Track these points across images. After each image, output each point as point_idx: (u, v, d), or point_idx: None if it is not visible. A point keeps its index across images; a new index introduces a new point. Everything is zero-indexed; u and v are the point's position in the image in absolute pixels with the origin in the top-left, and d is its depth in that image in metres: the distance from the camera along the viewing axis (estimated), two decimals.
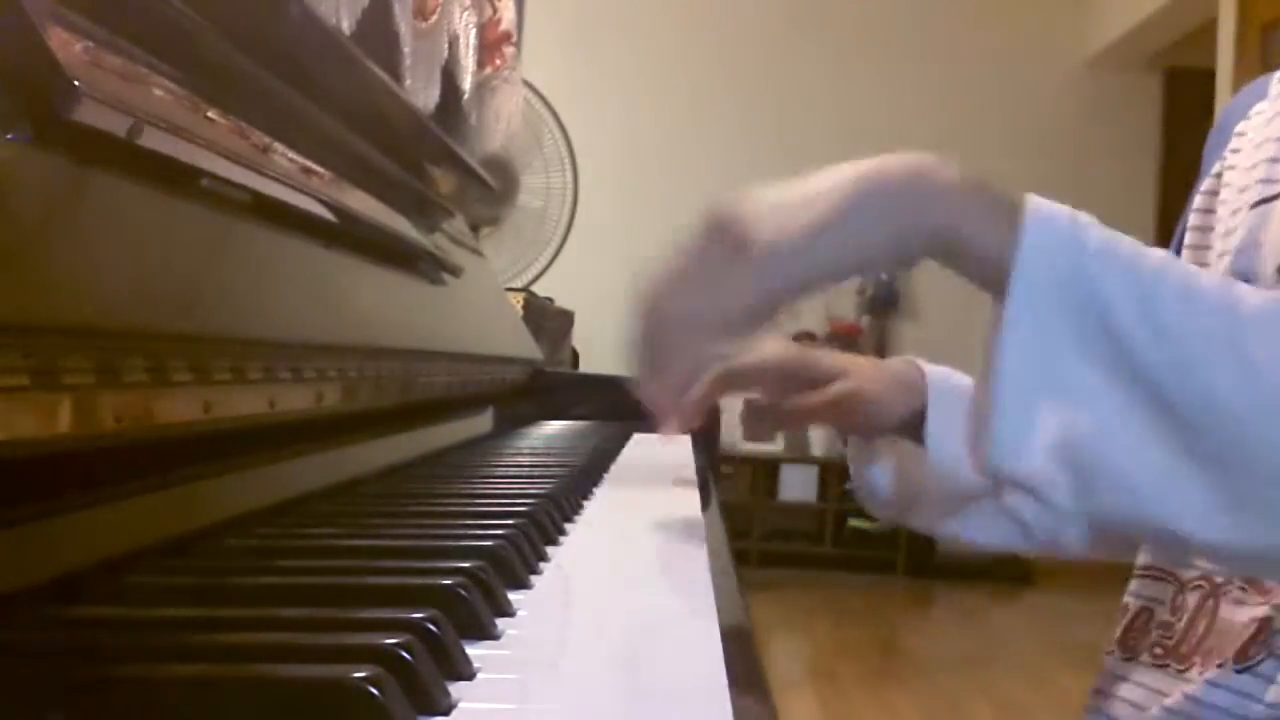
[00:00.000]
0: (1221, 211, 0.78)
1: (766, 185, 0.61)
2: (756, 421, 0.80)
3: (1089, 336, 0.50)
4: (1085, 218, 0.54)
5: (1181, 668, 0.70)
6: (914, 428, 0.80)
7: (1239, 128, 0.80)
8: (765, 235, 0.56)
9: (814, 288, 0.57)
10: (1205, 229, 0.80)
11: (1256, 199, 0.74)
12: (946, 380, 0.83)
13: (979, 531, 0.77)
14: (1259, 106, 0.80)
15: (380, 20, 1.00)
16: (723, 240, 0.59)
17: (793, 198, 0.58)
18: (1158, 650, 0.72)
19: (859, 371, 0.82)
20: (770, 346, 0.81)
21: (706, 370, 0.67)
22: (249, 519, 0.56)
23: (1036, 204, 0.53)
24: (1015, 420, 0.50)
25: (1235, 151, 0.79)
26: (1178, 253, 0.83)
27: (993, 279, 0.53)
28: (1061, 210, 0.53)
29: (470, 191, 1.71)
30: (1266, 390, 0.48)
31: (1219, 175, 0.80)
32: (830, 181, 0.57)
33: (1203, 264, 0.79)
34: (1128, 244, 0.53)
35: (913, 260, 0.58)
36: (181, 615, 0.39)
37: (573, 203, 2.76)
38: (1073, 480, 0.50)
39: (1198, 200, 0.82)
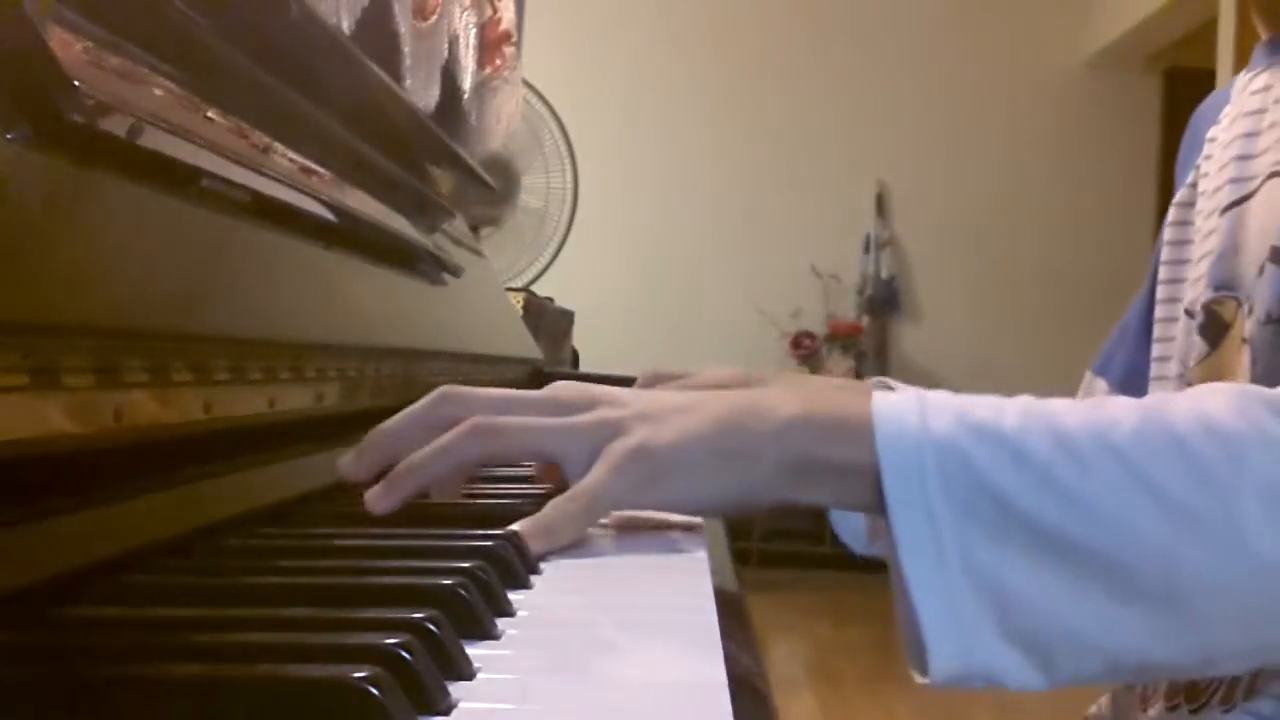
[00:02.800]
0: (1198, 220, 0.76)
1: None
2: None
3: (985, 519, 0.49)
4: (933, 398, 0.52)
5: (1194, 707, 0.67)
6: None
7: (1210, 133, 0.78)
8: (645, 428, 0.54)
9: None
10: (1182, 242, 0.78)
11: (1229, 201, 0.72)
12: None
13: None
14: (1227, 110, 0.77)
15: (380, 20, 1.00)
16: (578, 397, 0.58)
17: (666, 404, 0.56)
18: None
19: None
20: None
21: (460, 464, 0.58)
22: (249, 519, 0.56)
23: (881, 409, 0.52)
24: (946, 630, 0.49)
25: (1208, 158, 0.77)
26: (1155, 273, 0.81)
27: (862, 498, 0.52)
28: (908, 404, 0.52)
29: (470, 191, 1.71)
30: (1172, 510, 0.48)
31: (1194, 185, 0.78)
32: (703, 415, 0.55)
33: (1181, 279, 0.77)
34: (981, 408, 0.52)
35: (772, 500, 0.56)
36: (181, 615, 0.39)
37: (573, 203, 2.77)
38: (1031, 660, 0.49)
39: (1173, 213, 0.79)
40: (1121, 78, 5.19)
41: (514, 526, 0.54)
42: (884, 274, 5.24)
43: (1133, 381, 0.82)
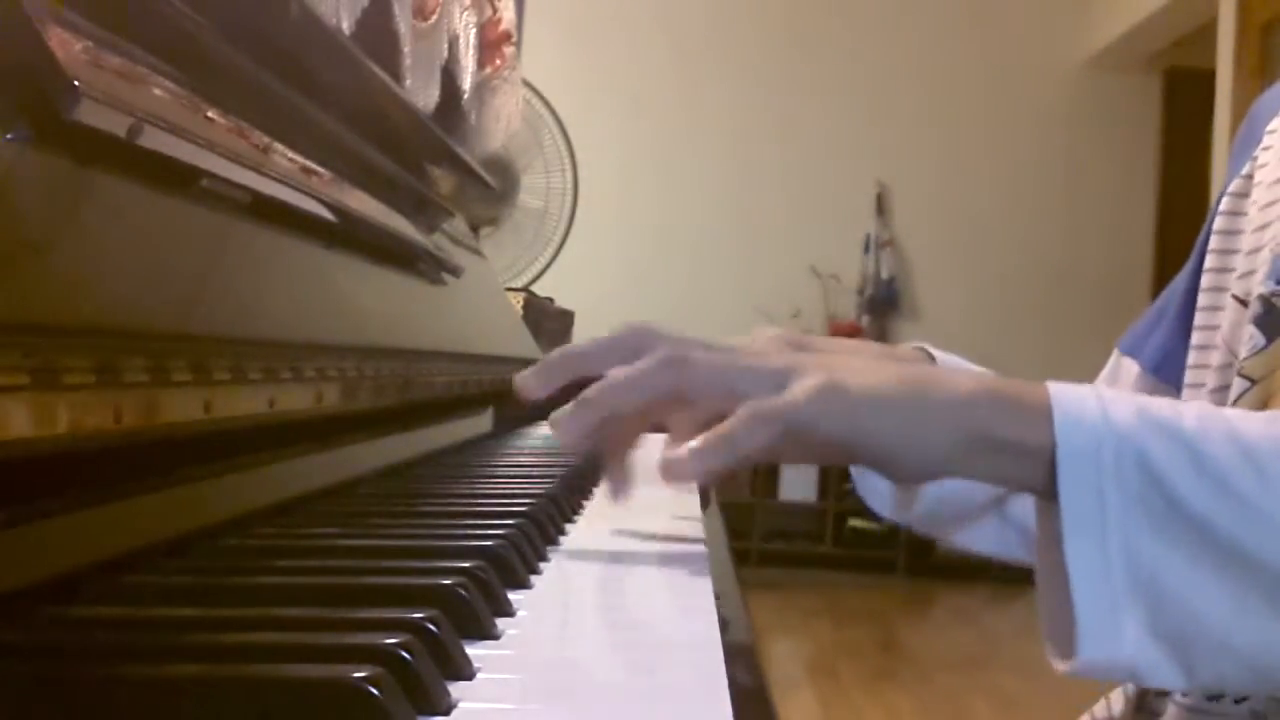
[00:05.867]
0: (1251, 211, 0.76)
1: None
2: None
3: (1155, 513, 0.50)
4: (1109, 393, 0.53)
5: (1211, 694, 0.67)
6: None
7: (1270, 125, 0.77)
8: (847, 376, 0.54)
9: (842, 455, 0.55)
10: (1232, 232, 0.77)
11: None
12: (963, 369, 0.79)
13: (987, 543, 0.75)
14: None
15: (380, 20, 1.00)
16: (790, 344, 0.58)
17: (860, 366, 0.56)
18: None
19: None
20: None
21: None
22: (249, 519, 0.56)
23: (1061, 396, 0.52)
24: (1100, 614, 0.49)
25: (1267, 149, 0.76)
26: (1200, 261, 0.80)
27: (1032, 478, 0.53)
28: (1086, 395, 0.52)
29: (470, 191, 1.71)
30: None
31: (1249, 176, 0.77)
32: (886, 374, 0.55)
33: (1228, 268, 0.77)
34: (1161, 407, 0.52)
35: (942, 471, 0.56)
36: (181, 615, 0.39)
37: (573, 203, 2.76)
38: (1175, 658, 0.50)
39: (1225, 203, 0.78)
40: (1121, 78, 5.19)
41: (693, 442, 0.53)
42: (884, 274, 5.24)
43: (1167, 366, 0.82)
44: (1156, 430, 0.51)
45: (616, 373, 0.55)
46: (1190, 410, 0.52)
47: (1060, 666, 0.52)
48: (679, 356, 0.55)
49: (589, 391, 0.56)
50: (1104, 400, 0.52)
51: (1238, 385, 0.71)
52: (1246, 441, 0.50)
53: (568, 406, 0.56)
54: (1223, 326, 0.76)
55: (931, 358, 0.80)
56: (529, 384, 0.60)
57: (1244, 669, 0.50)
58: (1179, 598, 0.49)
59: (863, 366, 0.56)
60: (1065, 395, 0.52)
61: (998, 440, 0.53)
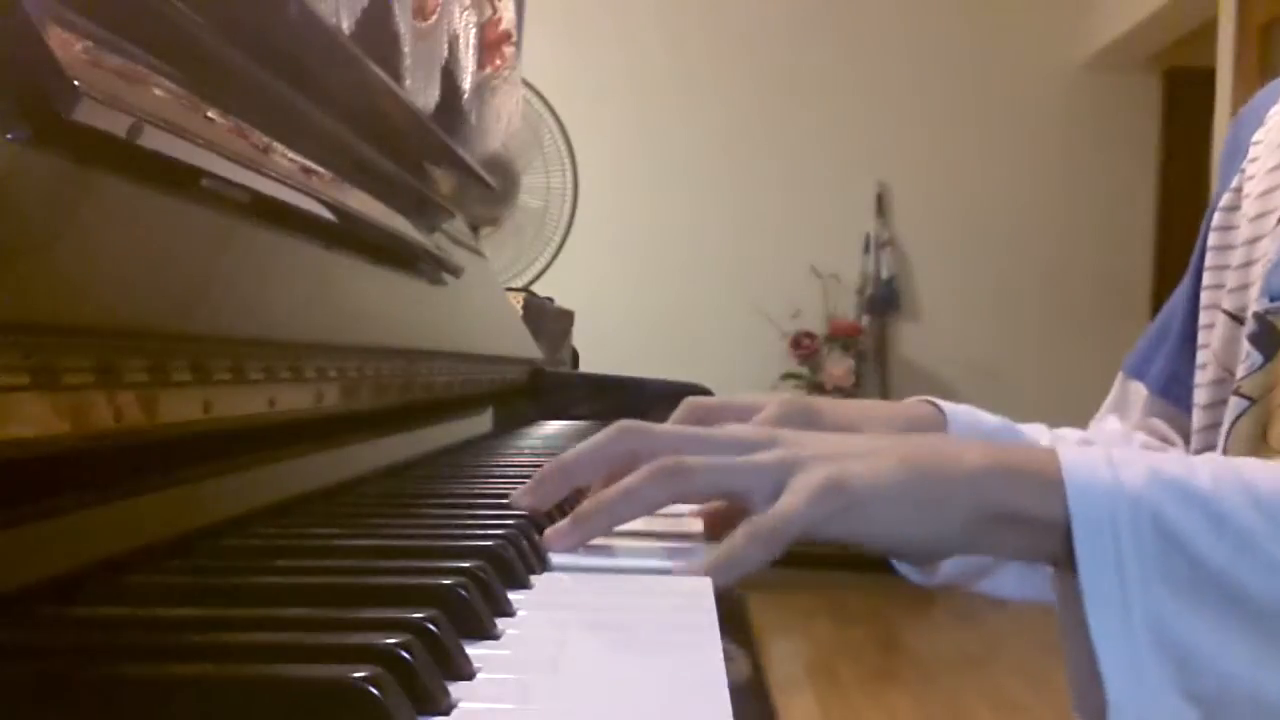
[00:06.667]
0: (1242, 225, 0.75)
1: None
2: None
3: (1176, 577, 0.49)
4: (1119, 454, 0.52)
5: None
6: None
7: (1255, 136, 0.77)
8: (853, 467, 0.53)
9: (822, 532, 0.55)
10: (1225, 248, 0.77)
11: None
12: (973, 422, 0.77)
13: (1012, 589, 0.75)
14: (1273, 111, 0.76)
15: (380, 20, 1.00)
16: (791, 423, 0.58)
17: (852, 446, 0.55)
18: None
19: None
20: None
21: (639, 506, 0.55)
22: (249, 519, 0.56)
23: (1071, 463, 0.52)
24: (1129, 683, 0.49)
25: (1253, 161, 0.76)
26: (1197, 279, 0.79)
27: (1048, 550, 0.52)
28: (1096, 459, 0.52)
29: (470, 191, 1.70)
30: None
31: (1238, 189, 0.77)
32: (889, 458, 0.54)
33: (1221, 285, 0.77)
34: (1173, 466, 0.52)
35: (959, 549, 0.56)
36: (181, 615, 0.39)
37: (573, 203, 2.77)
38: (1206, 717, 0.49)
39: (1217, 218, 0.78)
40: (1121, 78, 5.19)
41: (701, 561, 0.52)
42: (884, 274, 5.24)
43: (1174, 388, 0.81)
44: (1170, 491, 0.50)
45: (611, 491, 0.55)
46: (1203, 466, 0.52)
47: None
48: (674, 466, 0.54)
49: (585, 507, 0.56)
50: (1115, 464, 0.51)
51: (1236, 404, 0.71)
52: (1263, 496, 0.50)
53: (562, 523, 0.56)
54: (1214, 342, 0.75)
55: (940, 411, 0.78)
56: (524, 502, 0.59)
57: None
58: (1209, 661, 0.49)
59: (866, 447, 0.55)
60: (1076, 462, 0.52)
61: (1010, 514, 0.52)
